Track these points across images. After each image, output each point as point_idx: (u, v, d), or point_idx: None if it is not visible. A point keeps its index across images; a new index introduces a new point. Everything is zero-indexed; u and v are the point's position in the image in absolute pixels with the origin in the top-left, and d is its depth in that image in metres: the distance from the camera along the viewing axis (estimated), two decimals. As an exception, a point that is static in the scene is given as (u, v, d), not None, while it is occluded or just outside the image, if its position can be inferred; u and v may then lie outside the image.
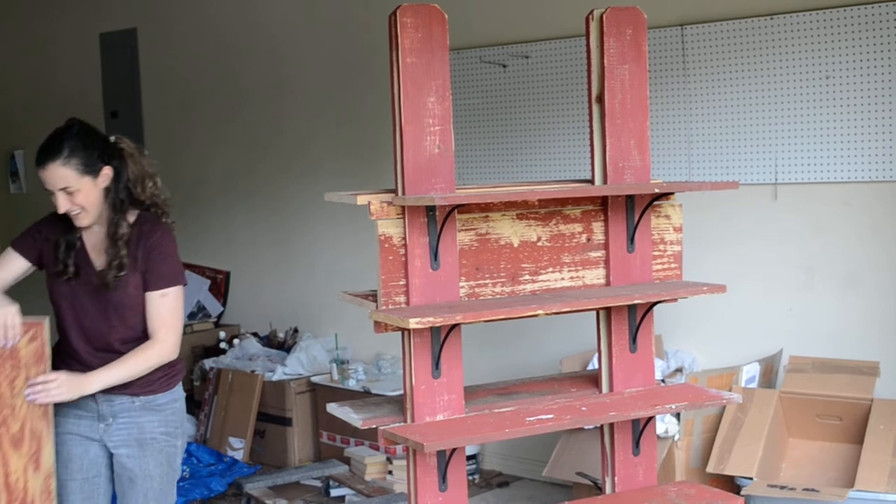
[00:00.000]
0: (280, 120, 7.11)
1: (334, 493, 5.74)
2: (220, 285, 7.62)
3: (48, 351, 3.32)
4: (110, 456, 3.46)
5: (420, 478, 3.19)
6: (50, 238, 3.40)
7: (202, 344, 7.18)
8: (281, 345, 6.95)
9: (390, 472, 5.78)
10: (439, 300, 3.18)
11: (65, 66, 8.58)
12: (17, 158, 9.06)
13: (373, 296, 3.20)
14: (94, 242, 3.40)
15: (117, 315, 3.36)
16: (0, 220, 9.29)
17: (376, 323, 3.14)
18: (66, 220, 3.35)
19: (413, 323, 2.95)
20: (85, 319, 3.38)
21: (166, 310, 3.37)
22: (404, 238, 3.14)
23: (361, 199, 3.12)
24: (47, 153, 3.28)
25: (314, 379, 6.43)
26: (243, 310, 7.52)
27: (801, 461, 4.55)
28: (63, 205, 3.28)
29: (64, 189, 3.27)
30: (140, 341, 3.37)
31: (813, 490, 4.15)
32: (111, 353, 3.35)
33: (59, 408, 3.35)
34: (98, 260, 3.38)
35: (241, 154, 7.42)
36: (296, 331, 6.99)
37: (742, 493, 4.14)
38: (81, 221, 3.34)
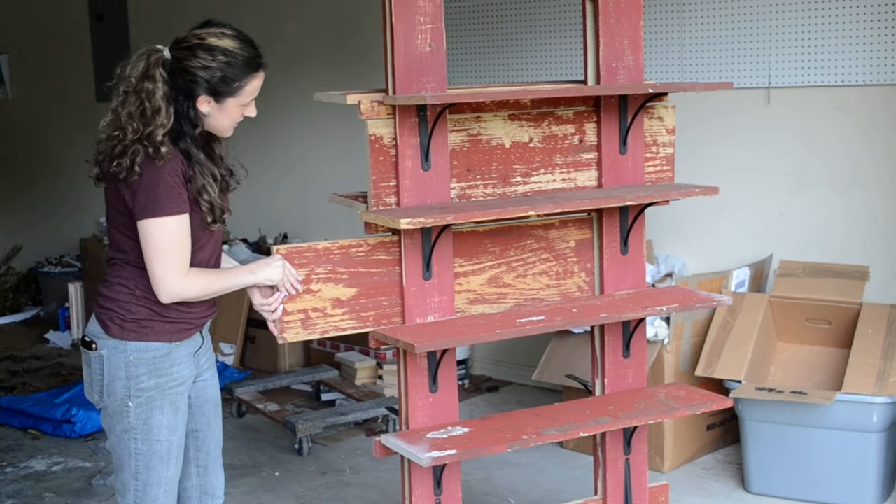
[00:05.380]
0: (269, 20, 7.00)
1: (325, 397, 5.78)
2: (208, 192, 7.57)
3: None
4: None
5: (411, 380, 3.20)
6: (192, 182, 2.92)
7: (191, 249, 7.15)
8: (270, 251, 6.91)
9: (380, 377, 5.81)
10: (430, 201, 3.15)
11: (48, -32, 8.42)
12: (1, 63, 8.89)
13: (363, 197, 3.18)
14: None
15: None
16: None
17: (367, 224, 3.12)
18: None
19: (404, 223, 2.93)
20: (210, 260, 3.14)
21: None
22: (395, 138, 3.10)
23: (351, 99, 3.08)
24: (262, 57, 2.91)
25: (304, 284, 6.43)
26: (231, 216, 7.46)
27: (789, 365, 4.58)
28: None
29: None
30: None
31: (801, 393, 4.18)
32: None
33: None
34: None
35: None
36: (285, 237, 6.97)
37: (730, 395, 4.16)
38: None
